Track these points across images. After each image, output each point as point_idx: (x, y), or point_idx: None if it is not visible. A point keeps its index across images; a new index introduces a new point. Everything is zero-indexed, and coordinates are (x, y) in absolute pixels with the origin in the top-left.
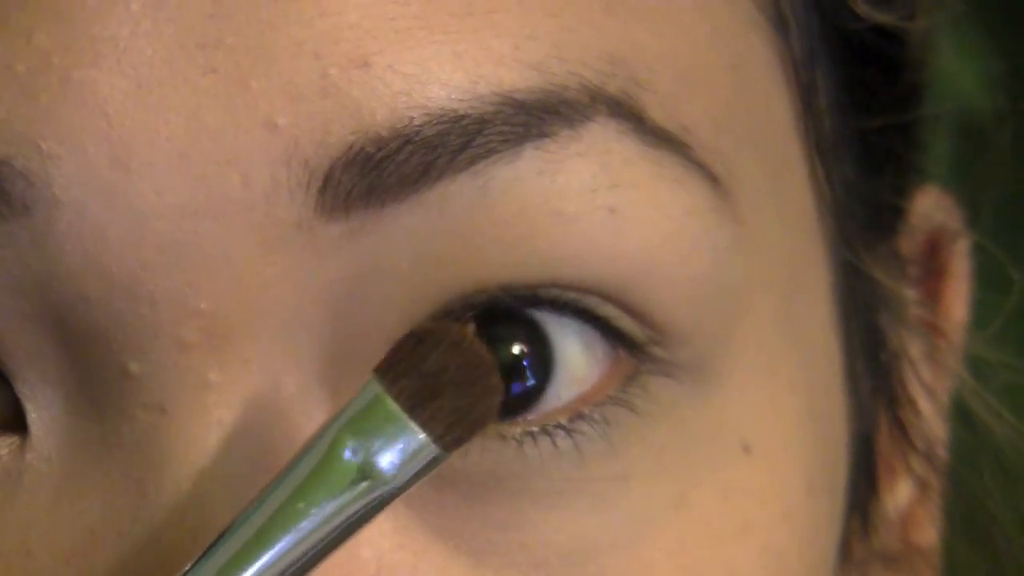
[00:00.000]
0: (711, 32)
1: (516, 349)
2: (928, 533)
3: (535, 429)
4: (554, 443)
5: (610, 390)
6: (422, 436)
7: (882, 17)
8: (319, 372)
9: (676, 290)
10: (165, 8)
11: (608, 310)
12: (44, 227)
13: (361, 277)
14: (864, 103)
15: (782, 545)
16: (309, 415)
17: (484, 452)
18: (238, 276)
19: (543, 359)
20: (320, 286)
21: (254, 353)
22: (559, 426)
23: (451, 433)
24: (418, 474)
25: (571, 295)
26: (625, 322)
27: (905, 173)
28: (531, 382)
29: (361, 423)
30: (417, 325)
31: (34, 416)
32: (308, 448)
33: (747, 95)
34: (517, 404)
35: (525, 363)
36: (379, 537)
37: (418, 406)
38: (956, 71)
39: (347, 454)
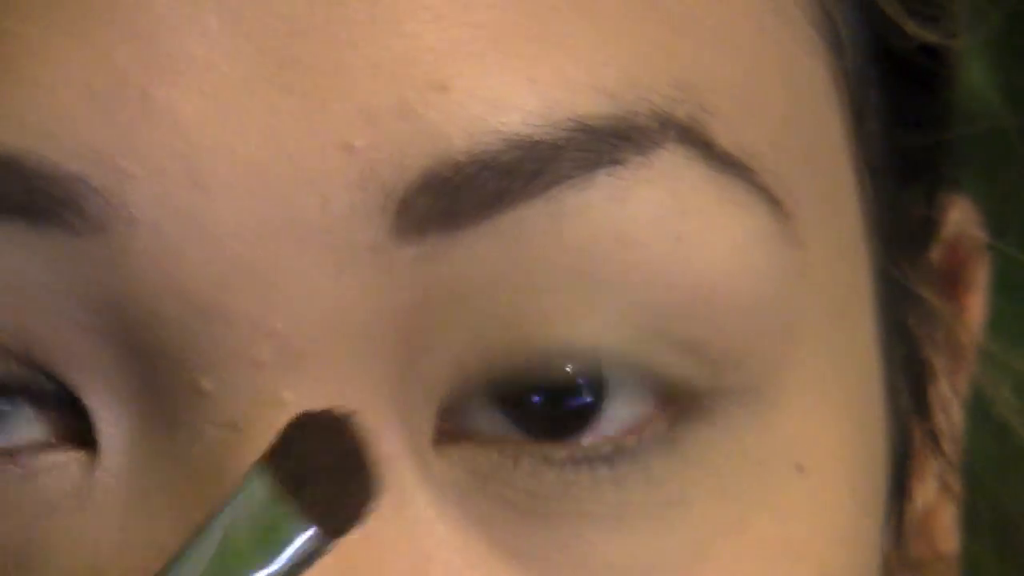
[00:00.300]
0: (771, 54)
1: (569, 368)
2: (950, 540)
3: (603, 451)
4: (617, 468)
5: (672, 414)
6: (304, 523)
7: (929, 36)
8: (387, 391)
9: (738, 317)
10: (243, 26)
11: (670, 362)
12: (120, 246)
13: (432, 299)
14: (907, 120)
15: (834, 566)
16: (377, 433)
17: (548, 475)
18: (313, 297)
19: (595, 380)
20: (392, 307)
21: (326, 372)
22: (622, 449)
23: (332, 519)
24: (304, 562)
25: (632, 353)
26: (688, 370)
27: (940, 185)
28: (587, 399)
29: (246, 510)
30: (301, 412)
31: (103, 432)
32: (196, 537)
33: (803, 115)
34: (572, 423)
35: (580, 381)
36: (450, 553)
37: (299, 492)
38: (981, 85)
39: (232, 541)
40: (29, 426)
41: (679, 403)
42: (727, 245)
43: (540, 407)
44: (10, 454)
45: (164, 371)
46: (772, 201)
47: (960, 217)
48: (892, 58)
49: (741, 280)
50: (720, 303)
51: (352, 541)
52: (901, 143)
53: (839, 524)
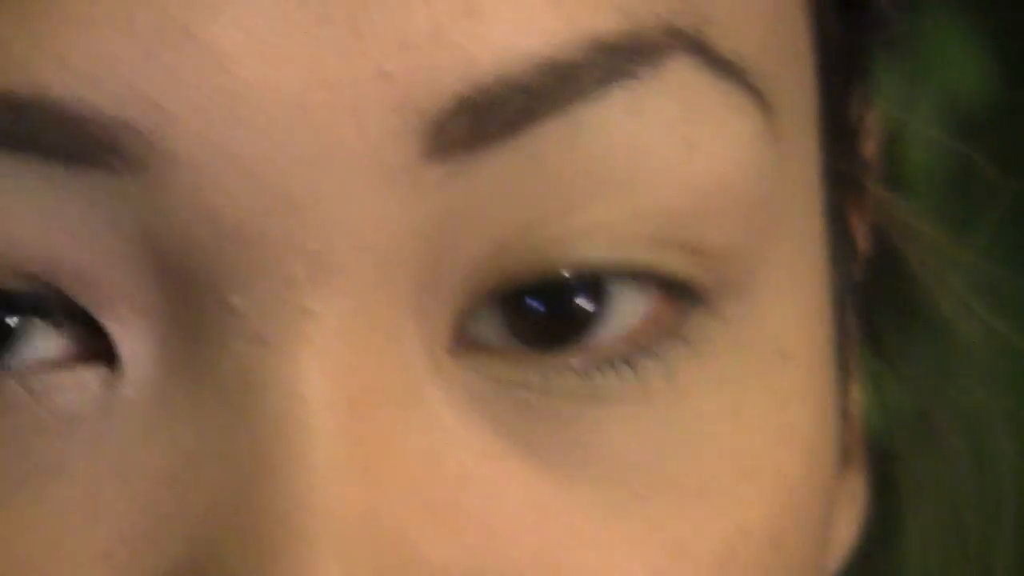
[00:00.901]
0: None
1: (567, 273)
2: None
3: (621, 351)
4: (639, 366)
5: (678, 309)
6: None
7: None
8: (409, 298)
9: (738, 215)
10: None
11: (676, 262)
12: (158, 183)
13: (455, 213)
14: (852, 20)
15: (819, 445)
16: (397, 338)
17: (571, 379)
18: (347, 217)
19: (594, 284)
20: (417, 222)
21: (353, 286)
22: (640, 347)
23: None
24: None
25: (637, 257)
26: (692, 269)
27: (864, 94)
28: (587, 303)
29: None
30: None
31: (125, 349)
32: None
33: (782, 16)
34: (573, 329)
35: (577, 285)
36: (463, 449)
37: None
38: (954, 64)
39: None
40: (43, 345)
41: (683, 300)
42: (730, 147)
43: (540, 316)
44: (19, 376)
45: (192, 292)
46: (762, 101)
47: (873, 130)
48: None
49: (742, 180)
50: (724, 203)
51: (366, 437)
52: (848, 43)
53: (819, 405)
